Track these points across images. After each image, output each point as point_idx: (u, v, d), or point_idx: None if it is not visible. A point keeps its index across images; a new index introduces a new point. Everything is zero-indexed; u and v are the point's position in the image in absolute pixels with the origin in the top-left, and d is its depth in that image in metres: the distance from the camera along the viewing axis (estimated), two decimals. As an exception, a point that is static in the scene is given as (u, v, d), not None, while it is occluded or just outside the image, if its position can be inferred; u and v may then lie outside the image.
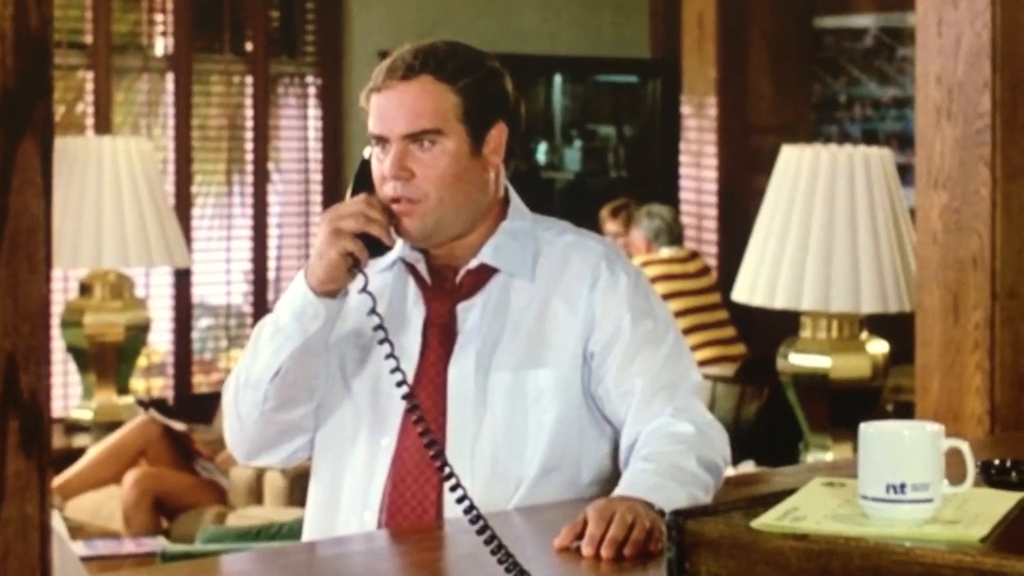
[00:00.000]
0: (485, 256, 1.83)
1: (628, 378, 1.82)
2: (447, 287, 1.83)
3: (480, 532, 1.53)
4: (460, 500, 1.57)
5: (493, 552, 1.50)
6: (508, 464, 1.77)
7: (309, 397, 1.79)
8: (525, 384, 1.79)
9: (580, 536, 1.62)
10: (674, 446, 1.77)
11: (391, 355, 1.67)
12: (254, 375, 1.78)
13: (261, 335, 1.79)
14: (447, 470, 1.61)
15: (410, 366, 1.78)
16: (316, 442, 1.83)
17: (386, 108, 1.79)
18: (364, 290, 1.72)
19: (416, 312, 1.82)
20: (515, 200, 1.89)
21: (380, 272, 1.83)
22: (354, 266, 1.72)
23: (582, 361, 1.82)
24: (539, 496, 1.78)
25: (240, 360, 1.82)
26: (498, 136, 1.83)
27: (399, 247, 1.82)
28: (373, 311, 1.70)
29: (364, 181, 1.79)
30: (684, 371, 1.86)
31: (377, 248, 1.74)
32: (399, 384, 1.67)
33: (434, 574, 1.64)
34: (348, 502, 1.79)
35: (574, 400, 1.82)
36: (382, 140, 1.79)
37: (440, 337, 1.81)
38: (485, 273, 1.83)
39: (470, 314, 1.82)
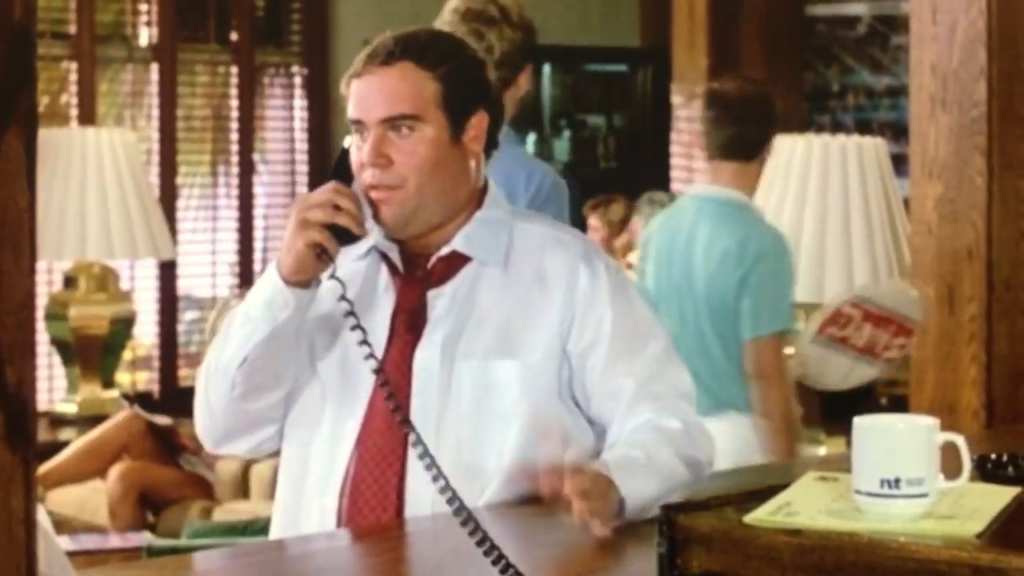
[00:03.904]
0: (457, 244, 1.82)
1: (614, 377, 1.80)
2: (419, 275, 1.82)
3: (451, 504, 1.53)
4: (433, 475, 1.56)
5: (463, 524, 1.49)
6: (474, 456, 1.76)
7: (277, 386, 1.78)
8: (493, 373, 1.78)
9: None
10: (656, 436, 1.77)
11: (364, 341, 1.66)
12: (223, 362, 1.78)
13: (232, 323, 1.79)
14: (413, 437, 1.61)
15: (378, 353, 1.76)
16: (284, 428, 1.82)
17: (365, 93, 1.79)
18: (333, 277, 1.72)
19: (386, 299, 1.81)
20: (493, 190, 1.87)
21: (355, 260, 1.82)
22: (323, 255, 1.71)
23: (559, 359, 1.80)
24: (514, 491, 1.76)
25: (212, 347, 1.83)
26: (478, 124, 1.81)
27: (374, 234, 1.81)
28: (343, 297, 1.70)
29: (344, 170, 1.78)
30: (673, 375, 1.85)
31: (347, 237, 1.73)
32: (367, 357, 1.66)
33: (402, 572, 1.63)
34: (311, 488, 1.78)
35: (547, 395, 1.80)
36: (360, 125, 1.79)
37: (408, 324, 1.80)
38: (457, 261, 1.82)
39: (439, 302, 1.80)
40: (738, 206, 3.08)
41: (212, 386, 1.79)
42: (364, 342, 1.67)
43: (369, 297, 1.81)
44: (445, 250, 1.81)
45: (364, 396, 1.77)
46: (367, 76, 1.79)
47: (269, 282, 1.76)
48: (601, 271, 1.84)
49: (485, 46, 2.48)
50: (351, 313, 1.69)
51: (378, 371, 1.68)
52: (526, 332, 1.80)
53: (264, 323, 1.74)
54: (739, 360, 3.03)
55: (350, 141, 1.80)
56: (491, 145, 1.85)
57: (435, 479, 1.57)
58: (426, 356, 1.78)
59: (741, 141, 3.05)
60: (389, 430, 1.75)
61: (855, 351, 3.05)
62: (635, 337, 1.82)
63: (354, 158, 1.79)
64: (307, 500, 1.78)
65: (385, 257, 1.84)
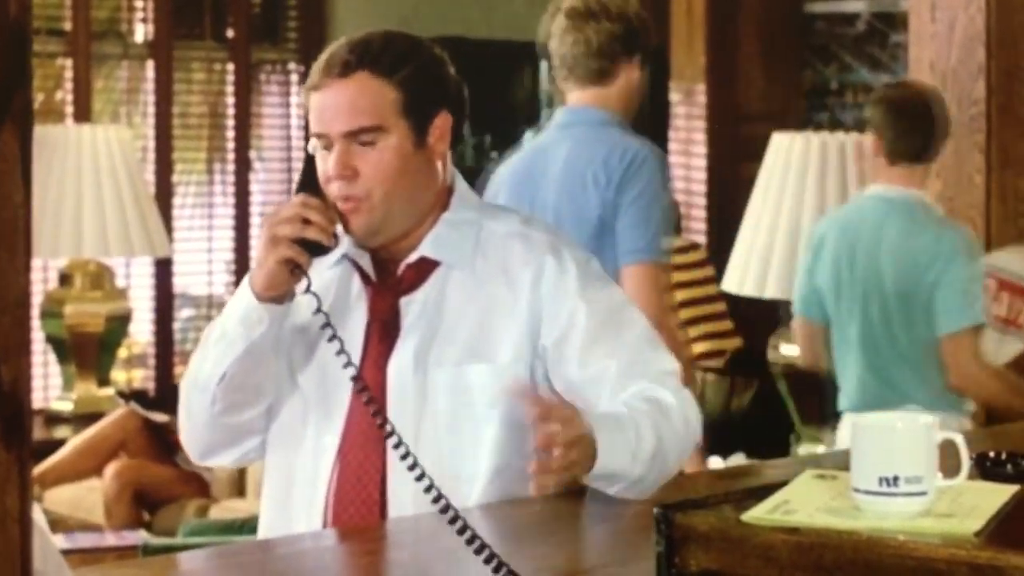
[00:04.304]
0: (425, 249, 1.81)
1: (596, 361, 1.79)
2: (390, 282, 1.81)
3: (436, 503, 1.54)
4: (417, 476, 1.57)
5: (451, 523, 1.49)
6: (454, 462, 1.75)
7: (257, 400, 1.78)
8: (467, 379, 1.77)
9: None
10: (648, 407, 1.76)
11: (341, 351, 1.66)
12: (202, 378, 1.77)
13: (209, 338, 1.78)
14: (395, 439, 1.60)
15: (354, 361, 1.75)
16: (267, 441, 1.82)
17: (325, 107, 1.78)
18: (308, 291, 1.72)
19: (359, 308, 1.80)
20: (460, 188, 1.86)
21: (328, 268, 1.81)
22: (296, 270, 1.71)
23: (530, 357, 1.79)
24: (497, 494, 1.76)
25: (192, 360, 1.81)
26: (442, 125, 1.81)
27: (345, 243, 1.81)
28: (318, 310, 1.70)
29: (311, 179, 1.78)
30: (657, 356, 1.84)
31: (318, 250, 1.72)
32: (345, 366, 1.66)
33: (389, 572, 1.62)
34: (297, 502, 1.77)
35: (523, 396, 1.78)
36: (324, 139, 1.79)
37: (381, 333, 1.79)
38: (427, 266, 1.81)
39: (411, 308, 1.80)
40: (923, 206, 3.15)
41: (194, 401, 1.79)
42: (342, 351, 1.67)
43: (343, 306, 1.81)
44: (413, 256, 1.81)
45: (343, 406, 1.77)
46: (325, 90, 1.79)
47: (243, 298, 1.75)
48: (569, 263, 1.82)
49: (583, 39, 2.63)
50: (327, 324, 1.69)
51: (356, 378, 1.68)
52: (496, 333, 1.79)
53: (240, 340, 1.74)
54: (926, 356, 3.08)
55: (314, 147, 1.80)
56: (455, 142, 1.85)
57: (419, 479, 1.56)
58: (400, 365, 1.77)
59: (921, 144, 3.13)
60: (368, 440, 1.75)
61: (999, 323, 3.10)
62: (612, 323, 1.81)
63: (319, 168, 1.79)
64: (294, 510, 1.77)
65: (356, 265, 1.83)
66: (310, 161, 1.78)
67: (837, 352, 3.13)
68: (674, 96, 6.23)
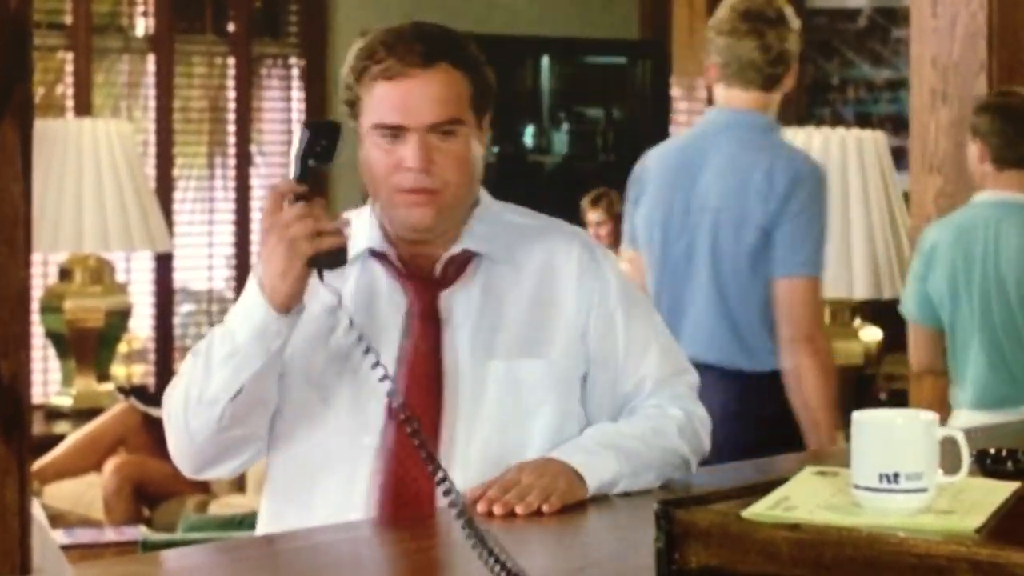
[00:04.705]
0: (468, 242, 1.81)
1: (635, 373, 1.84)
2: (425, 275, 1.80)
3: (446, 496, 1.53)
4: (450, 502, 1.55)
5: (478, 549, 1.49)
6: (503, 455, 1.76)
7: (267, 408, 1.76)
8: (519, 373, 1.78)
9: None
10: (652, 423, 1.81)
11: (377, 363, 1.63)
12: (209, 394, 1.71)
13: (214, 353, 1.71)
14: (440, 474, 1.58)
15: (390, 358, 1.74)
16: (274, 438, 1.78)
17: (406, 97, 1.74)
18: (340, 306, 1.68)
19: (393, 304, 1.79)
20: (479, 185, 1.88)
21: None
22: (321, 283, 1.66)
23: (580, 354, 1.82)
24: None
25: (187, 373, 1.74)
26: (488, 122, 1.84)
27: (368, 237, 1.80)
28: (351, 324, 1.67)
29: (318, 157, 1.69)
30: (683, 364, 1.92)
31: (340, 258, 1.67)
32: (382, 379, 1.63)
33: (399, 566, 1.62)
34: (324, 498, 1.74)
35: (571, 391, 1.81)
36: (396, 129, 1.75)
37: (425, 327, 1.78)
38: (463, 258, 1.81)
39: (456, 301, 1.79)
40: None
41: (194, 416, 1.74)
42: (377, 364, 1.63)
43: (369, 299, 1.79)
44: (456, 248, 1.80)
45: (379, 409, 1.74)
46: (404, 79, 1.75)
47: (257, 311, 1.68)
48: (604, 264, 1.86)
49: (763, 44, 2.69)
50: (360, 337, 1.66)
51: (402, 407, 1.64)
52: (547, 329, 1.80)
53: (257, 355, 1.68)
54: None
55: (310, 124, 1.74)
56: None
57: (440, 481, 1.56)
58: (455, 359, 1.77)
59: None
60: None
61: None
62: (648, 331, 1.87)
63: (376, 160, 1.75)
64: (316, 507, 1.74)
65: (382, 259, 1.81)
66: (315, 136, 1.70)
67: (955, 355, 3.14)
68: (675, 91, 6.23)
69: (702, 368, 2.70)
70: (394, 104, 1.75)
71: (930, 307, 3.18)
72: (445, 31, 1.83)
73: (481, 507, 1.68)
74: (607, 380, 1.83)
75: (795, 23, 2.80)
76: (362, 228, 1.80)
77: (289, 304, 1.67)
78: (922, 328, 3.23)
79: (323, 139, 1.70)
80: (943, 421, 3.14)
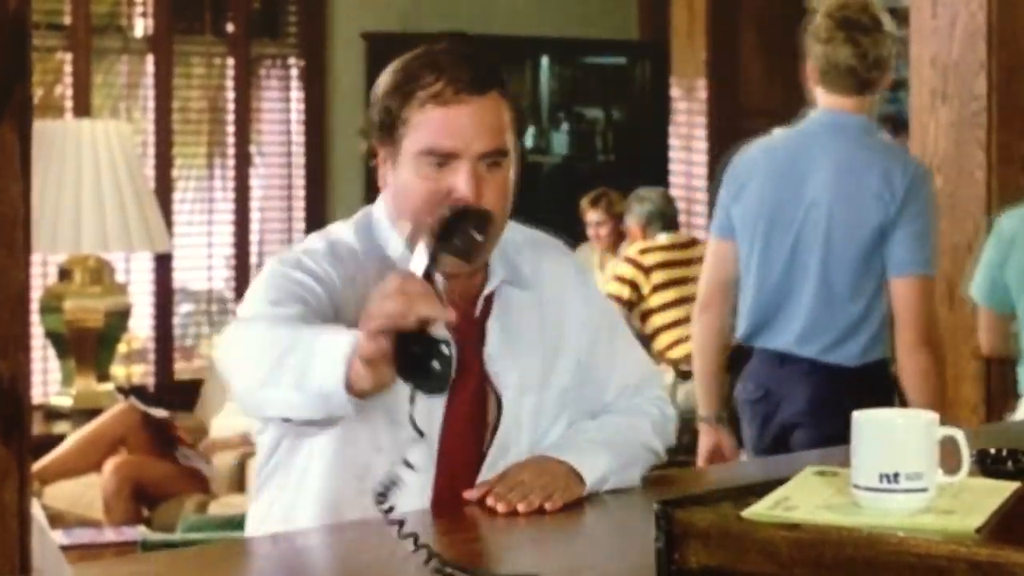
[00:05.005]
0: (500, 272, 1.79)
1: (620, 383, 1.87)
2: (465, 311, 1.75)
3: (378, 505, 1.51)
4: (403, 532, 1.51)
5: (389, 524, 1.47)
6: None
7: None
8: (544, 405, 1.80)
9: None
10: (628, 419, 1.84)
11: (413, 420, 1.53)
12: (265, 394, 1.60)
13: (286, 364, 1.56)
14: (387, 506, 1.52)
15: (439, 402, 1.70)
16: (298, 459, 1.73)
17: (461, 123, 1.69)
18: (412, 402, 1.51)
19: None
20: None
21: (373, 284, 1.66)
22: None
23: (578, 373, 1.84)
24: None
25: (257, 349, 1.60)
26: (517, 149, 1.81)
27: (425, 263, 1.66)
28: (411, 401, 1.52)
29: (457, 250, 1.57)
30: (653, 367, 1.98)
31: (439, 382, 1.44)
32: (416, 429, 1.52)
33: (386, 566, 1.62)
34: (358, 503, 1.68)
35: (573, 407, 1.84)
36: (446, 157, 1.69)
37: (469, 357, 1.73)
38: (478, 284, 1.79)
39: (491, 333, 1.78)
40: None
41: (263, 397, 1.61)
42: (413, 420, 1.52)
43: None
44: (494, 282, 1.78)
45: (436, 431, 1.72)
46: (459, 105, 1.69)
47: (332, 379, 1.51)
48: (587, 274, 1.90)
49: (859, 52, 2.81)
50: (412, 422, 1.53)
51: (419, 434, 1.54)
52: (558, 355, 1.82)
53: (314, 410, 1.56)
54: None
55: (451, 210, 1.61)
56: None
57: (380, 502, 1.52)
58: (498, 394, 1.76)
59: None
60: (464, 465, 1.75)
61: None
62: (624, 340, 1.91)
63: (418, 188, 1.68)
64: (349, 508, 1.70)
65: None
66: (453, 237, 1.57)
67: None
68: (675, 92, 6.23)
69: (793, 359, 2.83)
70: (448, 130, 1.69)
71: (1003, 293, 3.18)
72: (483, 54, 1.78)
73: (489, 502, 1.69)
74: (595, 391, 1.86)
75: (890, 27, 2.89)
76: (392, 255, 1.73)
77: (363, 395, 1.53)
78: (993, 313, 3.24)
79: (468, 230, 1.59)
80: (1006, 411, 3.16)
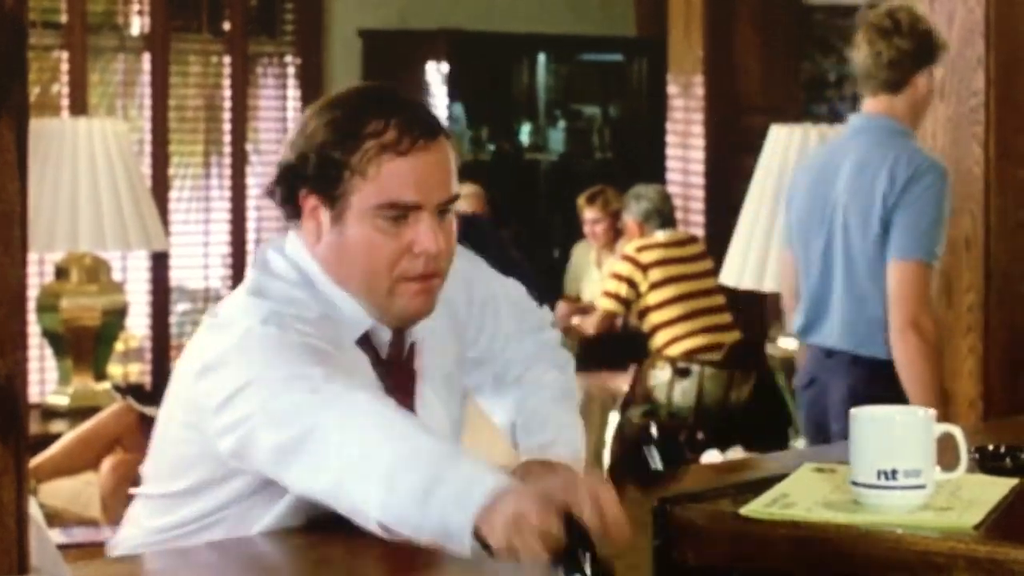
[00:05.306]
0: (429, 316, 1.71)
1: (516, 354, 1.82)
2: (401, 358, 1.69)
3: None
4: None
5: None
6: None
7: None
8: (466, 414, 1.79)
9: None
10: (554, 392, 1.79)
11: None
12: (348, 491, 1.46)
13: (398, 470, 1.41)
14: None
15: None
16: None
17: (423, 173, 1.57)
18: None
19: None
20: None
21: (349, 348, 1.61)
22: None
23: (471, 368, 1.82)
24: None
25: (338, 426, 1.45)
26: None
27: (366, 319, 1.62)
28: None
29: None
30: (538, 313, 1.86)
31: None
32: None
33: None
34: None
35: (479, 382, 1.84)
36: (407, 209, 1.58)
37: (406, 404, 1.64)
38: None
39: (420, 375, 1.71)
40: None
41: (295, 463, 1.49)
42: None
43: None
44: (424, 330, 1.69)
45: None
46: (420, 154, 1.57)
47: (456, 527, 1.37)
48: (474, 260, 1.80)
49: (874, 52, 2.96)
50: None
51: None
52: (462, 360, 1.77)
53: (423, 533, 1.41)
54: None
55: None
56: None
57: None
58: (440, 423, 1.72)
59: None
60: None
61: None
62: (507, 304, 1.82)
63: (379, 244, 1.57)
64: None
65: (367, 343, 1.64)
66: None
67: None
68: (672, 88, 6.22)
69: (838, 352, 2.94)
70: (410, 182, 1.57)
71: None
72: (411, 95, 1.68)
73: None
74: (495, 372, 1.81)
75: (915, 30, 2.98)
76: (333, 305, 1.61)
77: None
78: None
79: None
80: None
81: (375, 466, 1.43)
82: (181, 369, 1.66)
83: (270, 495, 1.61)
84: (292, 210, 1.65)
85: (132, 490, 1.76)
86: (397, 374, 1.67)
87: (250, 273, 1.67)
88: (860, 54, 3.01)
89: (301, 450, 1.48)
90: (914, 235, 2.87)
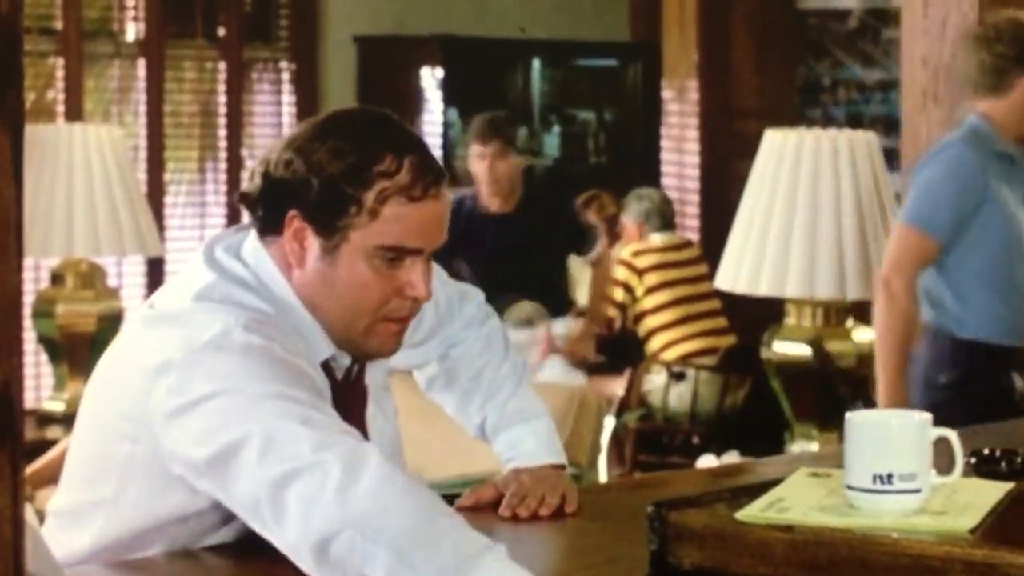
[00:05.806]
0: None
1: (455, 337, 1.83)
2: (357, 381, 1.68)
3: None
4: None
5: None
6: None
7: None
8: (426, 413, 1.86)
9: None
10: (512, 382, 1.80)
11: None
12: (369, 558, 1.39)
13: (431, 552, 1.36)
14: None
15: None
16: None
17: (430, 222, 1.56)
18: None
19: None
20: None
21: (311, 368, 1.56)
22: None
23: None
24: None
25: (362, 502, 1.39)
26: None
27: (329, 349, 1.59)
28: None
29: None
30: (466, 288, 1.85)
31: None
32: None
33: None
34: None
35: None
36: (407, 253, 1.55)
37: (359, 424, 1.63)
38: None
39: (370, 392, 1.70)
40: None
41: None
42: None
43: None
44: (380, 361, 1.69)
45: None
46: (429, 202, 1.54)
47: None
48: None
49: (977, 61, 3.01)
50: None
51: None
52: (386, 370, 1.75)
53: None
54: None
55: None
56: None
57: None
58: (382, 433, 1.70)
59: None
60: None
61: None
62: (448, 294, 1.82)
63: (372, 281, 1.55)
64: None
65: (329, 370, 1.61)
66: None
67: None
68: (667, 93, 6.23)
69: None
70: (417, 229, 1.55)
71: None
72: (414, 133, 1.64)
73: (504, 513, 1.68)
74: (446, 368, 1.82)
75: (1019, 37, 3.04)
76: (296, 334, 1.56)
77: None
78: None
79: None
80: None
81: (386, 531, 1.38)
82: (121, 362, 1.56)
83: (219, 518, 1.55)
84: (271, 224, 1.58)
85: (48, 506, 1.64)
86: (350, 395, 1.65)
87: (203, 273, 1.59)
88: (961, 61, 3.07)
89: (293, 486, 1.42)
90: (911, 202, 2.99)
